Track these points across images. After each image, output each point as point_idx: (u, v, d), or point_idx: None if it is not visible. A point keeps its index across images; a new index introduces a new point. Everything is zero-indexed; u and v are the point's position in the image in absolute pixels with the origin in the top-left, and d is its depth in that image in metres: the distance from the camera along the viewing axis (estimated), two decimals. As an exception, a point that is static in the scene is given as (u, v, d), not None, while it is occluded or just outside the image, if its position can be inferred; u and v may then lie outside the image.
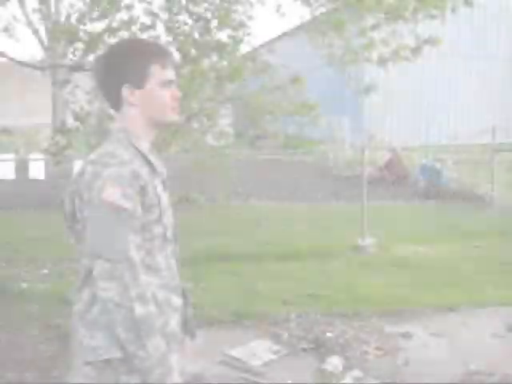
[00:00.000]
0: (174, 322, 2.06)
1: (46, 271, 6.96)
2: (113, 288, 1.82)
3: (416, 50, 8.53)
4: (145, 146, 2.04)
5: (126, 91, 2.00)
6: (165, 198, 2.05)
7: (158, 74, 2.01)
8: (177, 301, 2.09)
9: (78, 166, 2.01)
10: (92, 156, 1.95)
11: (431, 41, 8.36)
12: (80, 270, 2.00)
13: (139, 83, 2.00)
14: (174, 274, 2.09)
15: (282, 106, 8.05)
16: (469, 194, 10.54)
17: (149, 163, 2.01)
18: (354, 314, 5.50)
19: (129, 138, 1.99)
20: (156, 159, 2.07)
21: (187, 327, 2.23)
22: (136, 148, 1.99)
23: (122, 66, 2.00)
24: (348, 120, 20.00)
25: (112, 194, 1.85)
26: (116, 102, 2.05)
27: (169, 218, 2.08)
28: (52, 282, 6.49)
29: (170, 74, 2.05)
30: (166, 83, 2.03)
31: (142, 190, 1.92)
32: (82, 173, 1.94)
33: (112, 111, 2.13)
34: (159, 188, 2.02)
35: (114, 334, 1.87)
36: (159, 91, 2.03)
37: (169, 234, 2.06)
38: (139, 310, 1.83)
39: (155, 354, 1.85)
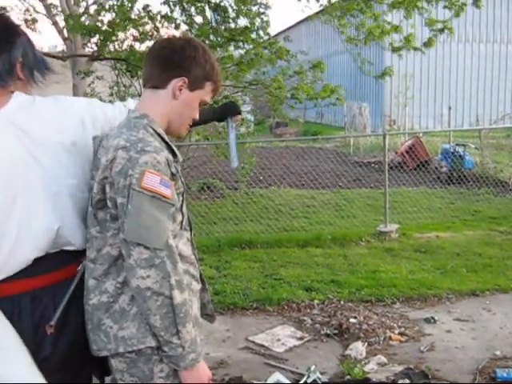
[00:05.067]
0: (196, 307, 2.08)
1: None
2: (152, 276, 1.81)
3: (428, 43, 8.54)
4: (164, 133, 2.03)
5: (180, 82, 2.02)
6: None
7: (206, 92, 2.09)
8: (196, 286, 2.10)
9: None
10: (121, 142, 1.89)
11: (445, 30, 8.39)
12: (98, 261, 1.96)
13: (193, 86, 2.04)
14: (192, 260, 2.09)
15: (303, 90, 8.01)
16: (492, 179, 10.42)
17: (172, 151, 2.00)
18: (378, 300, 5.49)
19: (153, 125, 1.97)
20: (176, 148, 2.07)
21: (204, 311, 2.25)
22: (159, 135, 1.98)
23: (194, 63, 2.03)
24: (368, 106, 19.86)
25: (152, 181, 1.83)
26: (157, 82, 2.04)
27: (185, 206, 2.09)
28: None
29: (209, 98, 2.14)
30: (201, 103, 2.12)
31: (173, 178, 1.93)
32: (113, 159, 1.87)
33: (144, 89, 2.12)
34: (182, 176, 2.03)
35: (146, 323, 1.87)
36: (195, 106, 2.09)
37: (184, 221, 2.06)
38: (178, 297, 1.83)
39: (188, 340, 1.86)
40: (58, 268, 2.00)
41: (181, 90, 2.03)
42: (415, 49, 8.75)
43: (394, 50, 8.79)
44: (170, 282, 1.82)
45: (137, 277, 1.81)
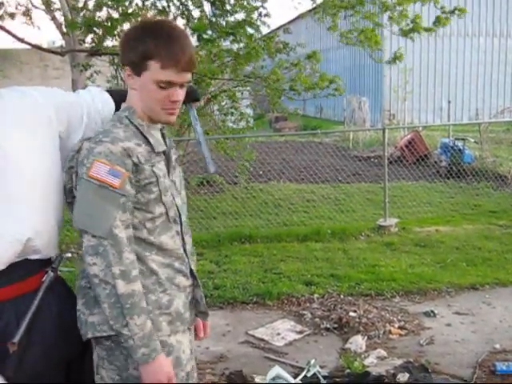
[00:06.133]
0: (180, 302, 2.05)
1: (69, 254, 7.02)
2: (97, 264, 1.84)
3: (437, 21, 8.44)
4: (147, 126, 2.02)
5: (126, 71, 2.02)
6: (167, 179, 2.03)
7: (155, 72, 1.93)
8: (183, 281, 2.08)
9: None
10: (91, 133, 2.01)
11: (456, 12, 8.28)
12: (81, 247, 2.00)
13: (136, 70, 1.98)
14: (180, 255, 2.08)
15: (301, 81, 7.99)
16: (491, 173, 10.42)
17: (148, 143, 1.99)
18: (377, 294, 5.50)
19: (131, 117, 1.99)
20: (157, 139, 2.03)
21: (198, 308, 2.21)
22: (136, 127, 1.99)
23: (128, 48, 1.99)
24: (368, 100, 19.83)
25: (100, 170, 1.86)
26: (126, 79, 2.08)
27: (171, 198, 2.04)
28: (76, 265, 6.54)
29: (170, 76, 1.94)
30: (162, 84, 1.94)
31: (136, 168, 1.92)
32: (79, 150, 1.98)
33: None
34: (158, 167, 1.99)
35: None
36: (153, 88, 1.96)
37: (172, 214, 2.04)
38: (122, 287, 1.84)
39: (139, 333, 1.85)
40: (21, 279, 1.88)
41: (132, 78, 2.01)
42: (425, 30, 8.62)
43: (404, 33, 8.69)
44: (112, 271, 1.83)
45: (87, 263, 1.87)
